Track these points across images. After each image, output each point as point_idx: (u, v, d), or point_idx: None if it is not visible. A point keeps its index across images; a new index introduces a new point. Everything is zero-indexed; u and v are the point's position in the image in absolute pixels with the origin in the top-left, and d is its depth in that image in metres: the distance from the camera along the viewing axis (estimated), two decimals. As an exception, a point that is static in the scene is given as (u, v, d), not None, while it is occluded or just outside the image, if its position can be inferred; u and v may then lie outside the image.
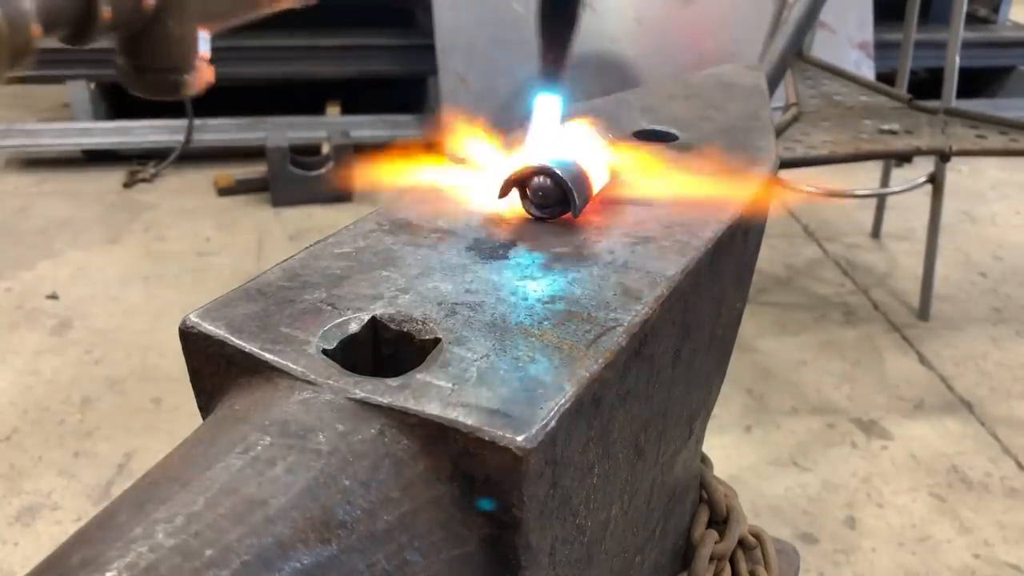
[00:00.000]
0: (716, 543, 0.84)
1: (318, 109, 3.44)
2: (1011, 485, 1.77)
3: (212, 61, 0.42)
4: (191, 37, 0.39)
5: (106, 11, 0.34)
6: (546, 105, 0.69)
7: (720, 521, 0.88)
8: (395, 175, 0.65)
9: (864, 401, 2.02)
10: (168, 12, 0.37)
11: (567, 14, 0.68)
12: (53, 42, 0.37)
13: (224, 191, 2.99)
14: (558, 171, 0.61)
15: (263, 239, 2.73)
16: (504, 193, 0.63)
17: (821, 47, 2.87)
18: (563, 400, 0.44)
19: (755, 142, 0.79)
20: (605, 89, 0.92)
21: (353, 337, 0.49)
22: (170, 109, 3.18)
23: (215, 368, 0.49)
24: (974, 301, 2.46)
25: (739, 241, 0.70)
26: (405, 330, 0.50)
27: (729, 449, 1.85)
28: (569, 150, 0.64)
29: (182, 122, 3.19)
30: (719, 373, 0.81)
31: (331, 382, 0.45)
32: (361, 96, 3.43)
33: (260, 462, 0.40)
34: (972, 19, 3.89)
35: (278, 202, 2.93)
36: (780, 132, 2.07)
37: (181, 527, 0.36)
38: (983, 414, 1.98)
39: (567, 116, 0.71)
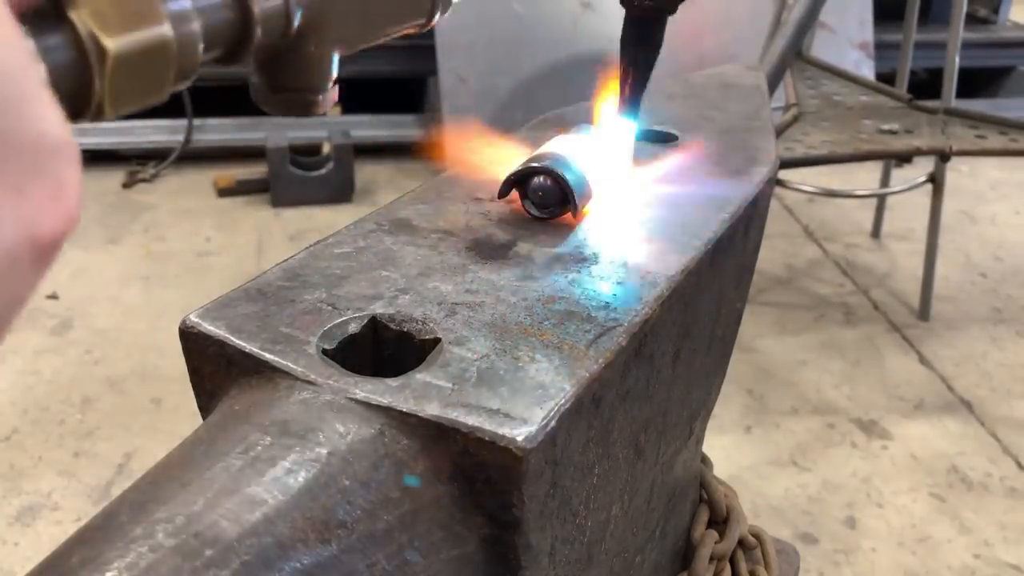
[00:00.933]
0: (716, 543, 0.84)
1: (318, 109, 3.44)
2: (1011, 485, 1.77)
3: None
4: (327, 60, 0.41)
5: (258, 33, 0.36)
6: (623, 130, 0.69)
7: (720, 521, 0.88)
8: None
9: (864, 401, 2.02)
10: (309, 36, 0.40)
11: (651, 41, 0.67)
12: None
13: (224, 192, 2.99)
14: (558, 171, 0.61)
15: (263, 239, 2.73)
16: (504, 193, 0.63)
17: (821, 47, 2.87)
18: (563, 400, 0.44)
19: (755, 142, 0.79)
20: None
21: (353, 337, 0.49)
22: (170, 109, 3.18)
23: (215, 368, 0.49)
24: (974, 301, 2.46)
25: (739, 241, 0.70)
26: (405, 330, 0.50)
27: (729, 449, 1.85)
28: (569, 150, 0.64)
29: (182, 122, 3.19)
30: (719, 373, 0.81)
31: (331, 382, 0.45)
32: (361, 96, 3.43)
33: (260, 462, 0.40)
34: (972, 19, 3.89)
35: (278, 202, 2.93)
36: (780, 132, 2.07)
37: (181, 527, 0.36)
38: (983, 414, 1.98)
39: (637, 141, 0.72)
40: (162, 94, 0.32)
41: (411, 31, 0.49)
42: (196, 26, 0.32)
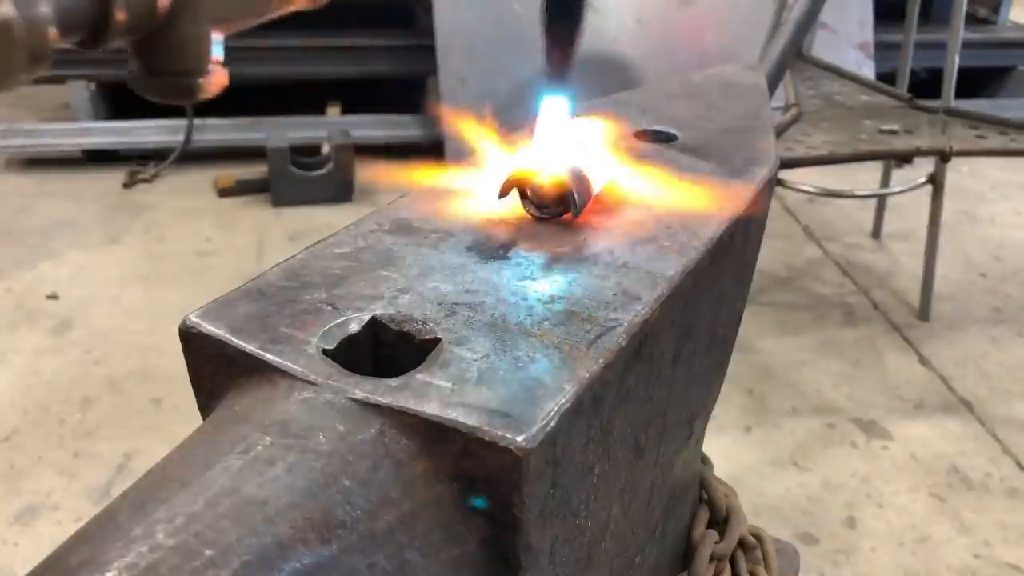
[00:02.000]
0: (716, 543, 0.84)
1: (318, 109, 3.44)
2: (1011, 485, 1.77)
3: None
4: (205, 39, 0.39)
5: (120, 14, 0.34)
6: (552, 106, 0.69)
7: (720, 521, 0.88)
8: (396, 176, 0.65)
9: (864, 401, 2.02)
10: (182, 14, 0.37)
11: (573, 12, 0.67)
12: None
13: (224, 191, 2.99)
14: (558, 171, 0.61)
15: (263, 239, 2.73)
16: (504, 193, 0.63)
17: (821, 47, 2.87)
18: (563, 400, 0.44)
19: (755, 142, 0.79)
20: (605, 89, 0.92)
21: (353, 337, 0.49)
22: (170, 109, 3.18)
23: (215, 368, 0.48)
24: (974, 301, 2.46)
25: (739, 241, 0.70)
26: (405, 330, 0.50)
27: (729, 449, 1.85)
28: (569, 150, 0.64)
29: (182, 122, 3.19)
30: (719, 373, 0.81)
31: (331, 382, 0.45)
32: (361, 96, 3.43)
33: (260, 462, 0.40)
34: (972, 19, 3.89)
35: (278, 202, 2.93)
36: (780, 132, 2.07)
37: (181, 527, 0.36)
38: (983, 414, 1.98)
39: (571, 116, 0.71)
40: (12, 78, 0.30)
41: (302, 6, 0.46)
42: (45, 7, 0.31)
